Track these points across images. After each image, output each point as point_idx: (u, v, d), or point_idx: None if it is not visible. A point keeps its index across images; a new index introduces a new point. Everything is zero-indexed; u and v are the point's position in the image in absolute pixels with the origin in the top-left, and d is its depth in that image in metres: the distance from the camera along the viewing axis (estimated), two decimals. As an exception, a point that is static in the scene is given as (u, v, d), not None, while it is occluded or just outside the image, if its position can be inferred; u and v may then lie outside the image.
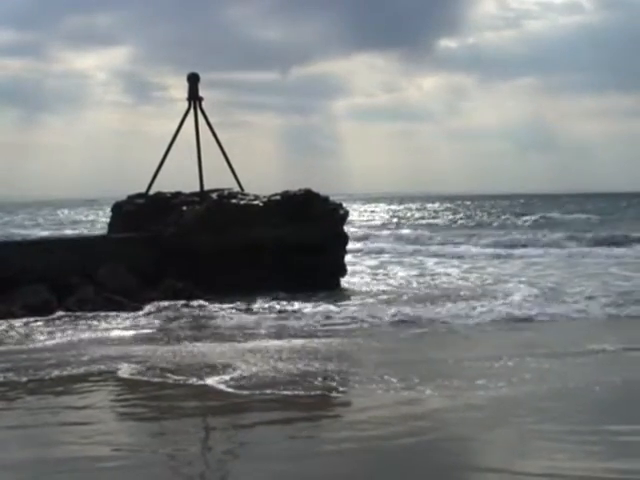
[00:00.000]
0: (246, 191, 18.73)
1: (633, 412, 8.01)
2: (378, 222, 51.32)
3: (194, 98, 18.97)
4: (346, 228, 19.04)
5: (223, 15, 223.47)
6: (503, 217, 54.86)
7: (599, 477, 6.10)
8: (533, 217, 50.44)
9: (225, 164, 19.36)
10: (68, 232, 41.21)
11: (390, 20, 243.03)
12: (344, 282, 18.16)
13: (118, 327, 13.18)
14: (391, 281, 19.37)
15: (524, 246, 30.03)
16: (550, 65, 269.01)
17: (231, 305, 15.07)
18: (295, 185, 18.24)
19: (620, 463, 6.39)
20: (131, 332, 12.68)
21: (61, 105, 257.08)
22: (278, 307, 14.89)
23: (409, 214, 63.00)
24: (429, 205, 78.95)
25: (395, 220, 54.10)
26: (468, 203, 78.42)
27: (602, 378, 9.47)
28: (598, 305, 14.49)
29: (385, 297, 16.24)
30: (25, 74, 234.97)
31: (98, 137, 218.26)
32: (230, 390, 8.74)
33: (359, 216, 57.11)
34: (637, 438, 7.00)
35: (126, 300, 15.08)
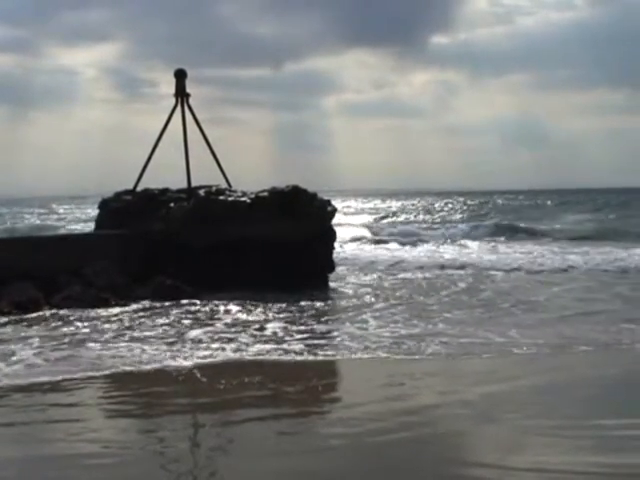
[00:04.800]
0: (235, 187, 18.70)
1: (621, 407, 8.05)
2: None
3: (181, 94, 18.91)
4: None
5: (214, 11, 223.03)
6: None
7: (587, 471, 6.13)
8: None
9: (213, 160, 19.36)
10: (56, 229, 41.05)
11: (382, 16, 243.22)
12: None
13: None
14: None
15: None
16: (541, 61, 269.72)
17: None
18: (285, 181, 18.23)
19: (608, 457, 6.42)
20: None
21: (50, 101, 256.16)
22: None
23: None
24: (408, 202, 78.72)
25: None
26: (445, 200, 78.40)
27: (590, 374, 9.54)
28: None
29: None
30: (14, 70, 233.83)
31: (87, 134, 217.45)
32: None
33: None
34: (625, 432, 7.04)
35: (113, 297, 15.03)
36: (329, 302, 15.34)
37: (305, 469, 6.34)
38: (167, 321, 13.05)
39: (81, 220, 50.58)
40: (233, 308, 14.32)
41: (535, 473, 6.09)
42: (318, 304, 14.75)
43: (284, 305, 14.50)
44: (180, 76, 18.94)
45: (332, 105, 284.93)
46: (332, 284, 17.80)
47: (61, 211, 68.01)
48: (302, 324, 12.69)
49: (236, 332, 11.94)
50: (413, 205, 69.10)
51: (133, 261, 16.64)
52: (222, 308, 14.39)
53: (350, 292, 16.66)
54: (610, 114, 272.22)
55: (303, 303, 14.75)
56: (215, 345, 10.89)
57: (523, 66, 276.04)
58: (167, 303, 14.91)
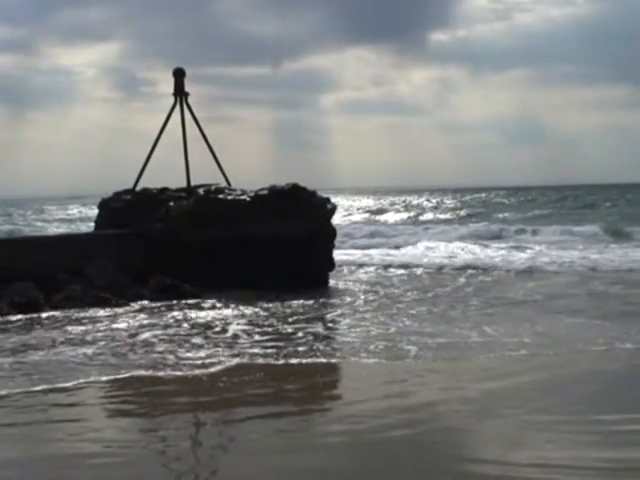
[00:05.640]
0: (235, 186, 18.70)
1: (621, 402, 8.05)
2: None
3: (180, 93, 18.92)
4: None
5: (213, 9, 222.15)
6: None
7: (588, 466, 6.14)
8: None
9: (212, 159, 19.36)
10: (55, 229, 41.09)
11: (380, 13, 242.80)
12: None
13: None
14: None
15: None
16: (541, 57, 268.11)
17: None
18: (285, 180, 18.21)
19: (609, 452, 6.43)
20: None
21: (49, 101, 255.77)
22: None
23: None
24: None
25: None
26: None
27: (590, 369, 9.54)
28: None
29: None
30: (13, 70, 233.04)
31: (86, 133, 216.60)
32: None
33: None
34: (625, 427, 7.05)
35: (114, 297, 15.02)
36: (325, 300, 15.27)
37: (306, 467, 6.34)
38: (135, 324, 12.82)
39: (72, 220, 50.72)
40: (217, 308, 14.25)
41: (536, 468, 6.10)
42: (311, 302, 14.72)
43: (278, 305, 14.46)
44: (179, 75, 18.95)
45: (331, 103, 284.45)
46: (332, 282, 17.82)
47: (60, 211, 68.01)
48: (280, 325, 12.52)
49: (194, 335, 11.74)
50: (403, 203, 68.92)
51: (133, 260, 16.64)
52: (206, 308, 14.35)
53: (349, 290, 16.68)
54: (611, 110, 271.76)
55: (297, 302, 14.71)
56: (160, 348, 10.74)
57: (523, 62, 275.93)
58: (166, 303, 14.92)
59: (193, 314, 13.68)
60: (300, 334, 11.74)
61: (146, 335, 11.76)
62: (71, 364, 9.91)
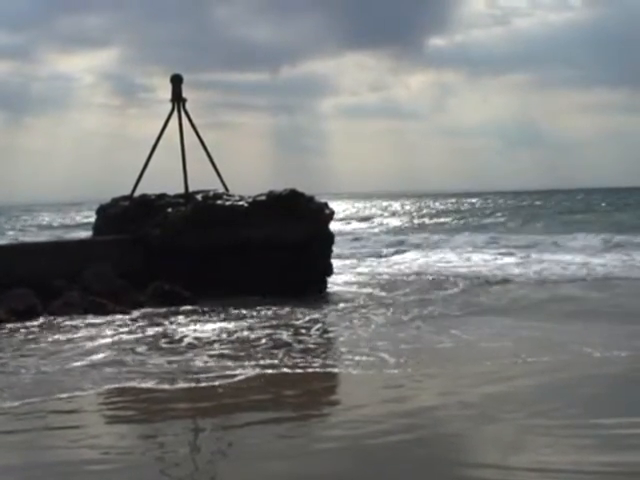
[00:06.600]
0: (233, 191, 18.71)
1: (621, 406, 8.05)
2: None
3: (178, 99, 18.93)
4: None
5: (212, 16, 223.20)
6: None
7: (588, 470, 6.13)
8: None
9: (210, 165, 19.36)
10: (53, 235, 41.04)
11: (378, 19, 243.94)
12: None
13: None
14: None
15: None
16: (539, 62, 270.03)
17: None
18: (283, 185, 18.22)
19: (609, 456, 6.43)
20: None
21: (48, 108, 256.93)
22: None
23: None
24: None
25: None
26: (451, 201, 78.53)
27: (590, 374, 9.53)
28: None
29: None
30: (11, 77, 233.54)
31: (84, 139, 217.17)
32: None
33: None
34: (625, 431, 7.04)
35: (112, 303, 14.98)
36: (325, 306, 15.29)
37: (306, 472, 6.33)
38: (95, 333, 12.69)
39: (70, 227, 50.67)
40: (212, 315, 14.24)
41: (536, 473, 6.10)
42: (310, 308, 14.70)
43: (278, 309, 14.48)
44: (176, 81, 18.96)
45: (330, 108, 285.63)
46: (330, 286, 17.81)
47: (57, 217, 67.93)
48: (281, 330, 12.47)
49: (187, 342, 11.72)
50: (395, 208, 68.87)
51: (131, 266, 16.61)
52: (201, 315, 14.34)
53: (347, 296, 16.69)
54: (609, 114, 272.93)
55: (296, 308, 14.68)
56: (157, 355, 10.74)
57: (521, 67, 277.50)
58: (163, 309, 14.91)
59: (187, 322, 13.62)
60: (300, 338, 11.78)
61: (141, 342, 11.76)
62: (72, 373, 9.91)
